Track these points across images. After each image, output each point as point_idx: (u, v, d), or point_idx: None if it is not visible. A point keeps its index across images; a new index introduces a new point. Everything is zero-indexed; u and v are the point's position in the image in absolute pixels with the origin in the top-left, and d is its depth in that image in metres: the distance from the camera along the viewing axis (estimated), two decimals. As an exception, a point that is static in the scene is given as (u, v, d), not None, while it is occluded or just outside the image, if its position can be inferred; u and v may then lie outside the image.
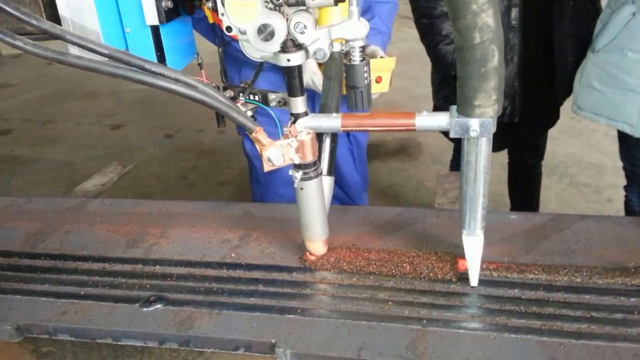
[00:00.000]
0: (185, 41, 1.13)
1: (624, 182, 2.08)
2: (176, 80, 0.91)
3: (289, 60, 0.95)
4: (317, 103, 1.37)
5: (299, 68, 0.98)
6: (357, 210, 1.40)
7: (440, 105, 2.28)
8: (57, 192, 3.64)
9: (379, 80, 1.60)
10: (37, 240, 1.30)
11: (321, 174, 1.06)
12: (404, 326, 0.95)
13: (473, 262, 1.01)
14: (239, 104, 1.20)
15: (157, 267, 1.17)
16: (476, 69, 0.84)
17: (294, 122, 1.00)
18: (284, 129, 1.00)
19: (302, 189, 1.04)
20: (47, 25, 0.88)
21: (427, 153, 3.86)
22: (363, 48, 1.10)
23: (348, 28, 0.95)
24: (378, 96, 1.66)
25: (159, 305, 1.04)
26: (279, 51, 0.95)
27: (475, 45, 0.83)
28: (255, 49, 0.96)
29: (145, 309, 1.04)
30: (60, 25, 0.96)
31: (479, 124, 0.89)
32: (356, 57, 1.10)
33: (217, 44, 1.56)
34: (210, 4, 0.97)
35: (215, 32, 1.54)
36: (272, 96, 1.36)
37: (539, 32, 2.04)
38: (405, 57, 4.88)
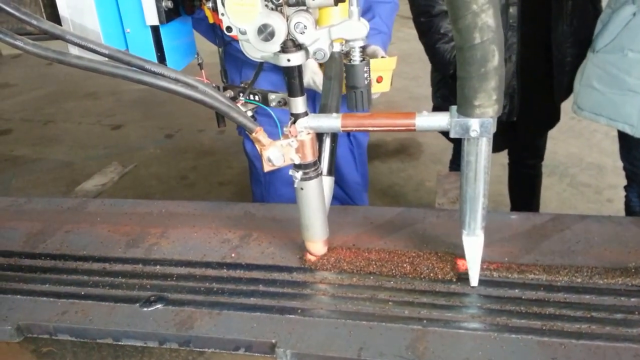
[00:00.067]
0: (185, 41, 1.13)
1: (624, 182, 2.08)
2: (176, 81, 0.91)
3: (289, 60, 0.95)
4: (317, 103, 1.37)
5: (299, 68, 0.98)
6: (358, 210, 1.40)
7: (439, 105, 2.27)
8: (58, 192, 3.64)
9: (379, 80, 1.60)
10: (38, 240, 1.30)
11: (321, 174, 1.06)
12: (404, 326, 0.95)
13: (473, 262, 1.01)
14: (239, 104, 1.20)
15: (158, 267, 1.17)
16: (476, 69, 0.84)
17: (294, 122, 1.00)
18: (284, 129, 1.00)
19: (302, 189, 1.04)
20: (48, 25, 0.88)
21: (428, 153, 3.86)
22: (364, 48, 1.10)
23: (348, 28, 0.95)
24: (379, 96, 1.66)
25: (159, 305, 1.04)
26: (279, 51, 0.95)
27: (475, 45, 0.83)
28: (255, 49, 0.96)
29: (145, 309, 1.04)
30: (61, 25, 0.96)
31: (479, 124, 0.89)
32: (356, 57, 1.10)
33: (218, 44, 1.56)
34: (210, 4, 0.97)
35: (216, 32, 1.54)
36: (272, 96, 1.36)
37: (538, 31, 2.04)
38: (405, 57, 4.87)
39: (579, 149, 3.74)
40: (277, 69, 1.52)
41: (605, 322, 0.93)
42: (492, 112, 0.88)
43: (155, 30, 1.02)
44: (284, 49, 0.94)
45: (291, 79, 0.98)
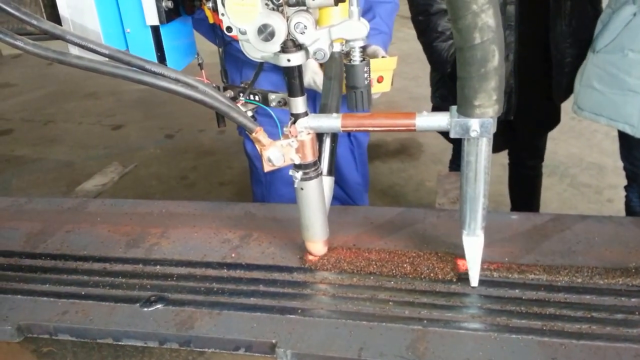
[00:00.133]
0: (185, 41, 1.13)
1: (624, 182, 2.08)
2: (176, 81, 0.91)
3: (289, 60, 0.95)
4: (318, 103, 1.37)
5: (299, 68, 0.98)
6: (358, 210, 1.40)
7: (438, 105, 2.27)
8: (58, 192, 3.64)
9: (380, 80, 1.60)
10: (38, 240, 1.30)
11: (321, 174, 1.06)
12: (404, 326, 0.95)
13: (473, 262, 1.01)
14: (239, 104, 1.20)
15: (158, 267, 1.17)
16: (476, 69, 0.84)
17: (294, 122, 1.00)
18: (284, 129, 1.00)
19: (302, 189, 1.04)
20: (48, 25, 0.88)
21: (428, 153, 3.86)
22: (364, 48, 1.10)
23: (348, 28, 0.95)
24: (380, 96, 1.66)
25: (159, 305, 1.04)
26: (279, 51, 0.95)
27: (475, 45, 0.83)
28: (255, 49, 0.96)
29: (145, 309, 1.04)
30: (61, 25, 0.96)
31: (479, 124, 0.89)
32: (356, 57, 1.10)
33: (218, 44, 1.56)
34: (210, 4, 0.97)
35: (216, 32, 1.54)
36: (272, 96, 1.36)
37: (536, 30, 2.03)
38: (405, 57, 4.87)
39: (579, 149, 3.74)
40: (277, 69, 1.52)
41: (606, 323, 0.93)
42: (492, 112, 0.88)
43: (155, 30, 1.02)
44: (284, 49, 0.94)
45: (291, 79, 0.98)
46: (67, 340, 1.04)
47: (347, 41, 1.05)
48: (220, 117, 1.35)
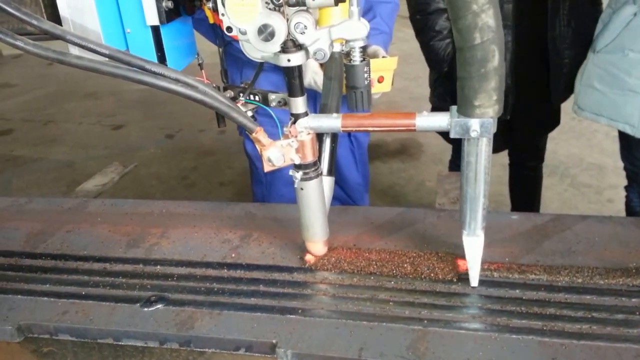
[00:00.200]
0: (185, 41, 1.13)
1: (624, 182, 2.08)
2: (176, 81, 0.91)
3: (289, 60, 0.95)
4: (318, 103, 1.37)
5: (299, 68, 0.98)
6: (358, 210, 1.40)
7: (437, 105, 2.27)
8: (58, 192, 3.64)
9: (381, 80, 1.60)
10: (38, 240, 1.30)
11: (321, 174, 1.05)
12: (404, 326, 0.95)
13: (473, 262, 1.01)
14: (239, 104, 1.20)
15: (158, 267, 1.17)
16: (476, 69, 0.84)
17: (294, 122, 1.00)
18: (284, 129, 1.00)
19: (302, 189, 1.03)
20: (48, 25, 0.88)
21: (428, 153, 3.86)
22: (364, 48, 1.10)
23: (348, 28, 0.95)
24: (380, 96, 1.66)
25: (159, 306, 1.04)
26: (279, 51, 0.95)
27: (475, 45, 0.82)
28: (255, 49, 0.96)
29: (146, 309, 1.04)
30: (61, 25, 0.96)
31: (479, 124, 0.89)
32: (356, 58, 1.10)
33: (218, 44, 1.56)
34: (210, 4, 0.97)
35: (216, 33, 1.54)
36: (272, 96, 1.36)
37: (534, 30, 2.02)
38: (406, 57, 4.86)
39: (579, 149, 3.74)
40: (277, 69, 1.52)
41: (606, 323, 0.93)
42: (492, 113, 0.88)
43: (155, 30, 1.02)
44: (284, 49, 0.94)
45: (291, 79, 0.98)
46: (67, 340, 1.04)
47: (347, 41, 1.05)
48: (221, 117, 1.35)
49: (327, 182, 1.16)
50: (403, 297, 1.02)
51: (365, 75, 1.14)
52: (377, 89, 1.61)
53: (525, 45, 2.02)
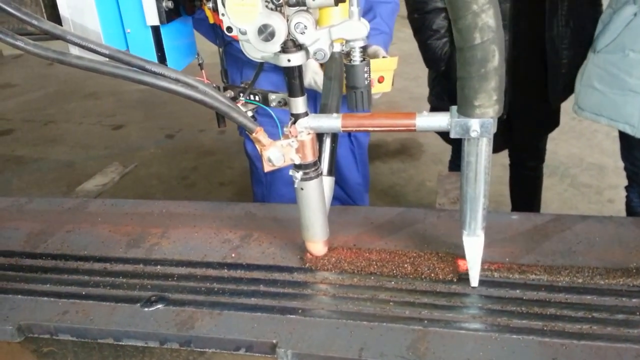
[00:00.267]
0: (185, 41, 1.13)
1: (625, 182, 2.08)
2: (177, 81, 0.91)
3: (289, 60, 0.95)
4: (318, 103, 1.37)
5: (300, 68, 0.98)
6: (358, 210, 1.40)
7: (435, 104, 2.27)
8: (58, 192, 3.64)
9: (381, 80, 1.60)
10: (39, 240, 1.30)
11: (321, 174, 1.05)
12: (405, 327, 0.95)
13: (473, 262, 1.01)
14: (239, 104, 1.20)
15: (158, 267, 1.17)
16: (476, 69, 0.84)
17: (295, 122, 1.00)
18: (285, 129, 1.00)
19: (302, 189, 1.03)
20: (48, 25, 0.88)
21: (428, 153, 3.86)
22: (365, 48, 1.10)
23: (348, 28, 0.95)
24: (380, 96, 1.66)
25: (160, 306, 1.04)
26: (280, 51, 0.95)
27: (475, 45, 0.82)
28: (255, 50, 0.96)
29: (146, 309, 1.04)
30: (61, 25, 0.96)
31: (480, 125, 0.89)
32: (356, 58, 1.10)
33: (218, 44, 1.56)
34: (210, 4, 0.97)
35: (216, 33, 1.54)
36: (272, 96, 1.36)
37: (534, 31, 2.01)
38: (406, 57, 4.86)
39: (579, 150, 3.74)
40: (277, 69, 1.52)
41: (607, 323, 0.93)
42: (492, 113, 0.88)
43: (155, 30, 1.02)
44: (284, 49, 0.94)
45: (291, 79, 0.98)
46: (67, 340, 1.04)
47: (347, 41, 1.05)
48: (221, 117, 1.35)
49: (327, 182, 1.16)
50: (403, 297, 1.02)
51: (366, 75, 1.14)
52: (377, 89, 1.61)
53: (524, 46, 2.02)
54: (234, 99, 1.32)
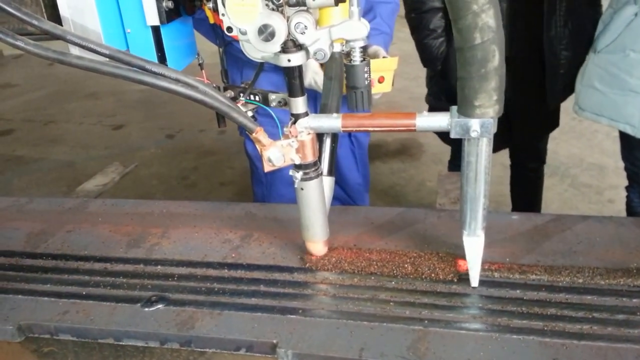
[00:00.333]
0: (186, 41, 1.13)
1: (625, 182, 2.08)
2: (177, 81, 0.91)
3: (289, 60, 0.95)
4: (318, 103, 1.37)
5: (300, 68, 0.98)
6: (359, 210, 1.40)
7: (432, 104, 2.26)
8: (59, 192, 3.64)
9: (381, 80, 1.60)
10: (39, 240, 1.30)
11: (321, 174, 1.05)
12: (405, 327, 0.95)
13: (474, 262, 1.01)
14: (239, 104, 1.20)
15: (159, 267, 1.17)
16: (477, 70, 0.84)
17: (295, 122, 1.00)
18: (285, 129, 1.00)
19: (302, 189, 1.03)
20: (48, 25, 0.88)
21: (428, 153, 3.86)
22: (365, 48, 1.10)
23: (348, 28, 0.95)
24: (380, 96, 1.66)
25: (160, 306, 1.04)
26: (280, 51, 0.95)
27: (475, 45, 0.82)
28: (255, 50, 0.96)
29: (146, 309, 1.04)
30: (62, 25, 0.96)
31: (480, 125, 0.89)
32: (356, 58, 1.10)
33: (218, 44, 1.56)
34: (211, 4, 0.97)
35: (216, 33, 1.54)
36: (272, 96, 1.36)
37: (532, 31, 2.01)
38: (406, 57, 4.84)
39: (580, 150, 3.74)
40: (277, 69, 1.52)
41: (607, 323, 0.93)
42: (492, 113, 0.88)
43: (155, 30, 1.02)
44: (285, 49, 0.94)
45: (291, 79, 0.98)
46: (68, 340, 1.04)
47: (347, 41, 1.05)
48: (221, 117, 1.35)
49: (328, 182, 1.16)
50: (404, 297, 1.02)
51: (366, 75, 1.14)
52: (377, 89, 1.61)
53: (521, 46, 2.01)
54: (234, 99, 1.32)
